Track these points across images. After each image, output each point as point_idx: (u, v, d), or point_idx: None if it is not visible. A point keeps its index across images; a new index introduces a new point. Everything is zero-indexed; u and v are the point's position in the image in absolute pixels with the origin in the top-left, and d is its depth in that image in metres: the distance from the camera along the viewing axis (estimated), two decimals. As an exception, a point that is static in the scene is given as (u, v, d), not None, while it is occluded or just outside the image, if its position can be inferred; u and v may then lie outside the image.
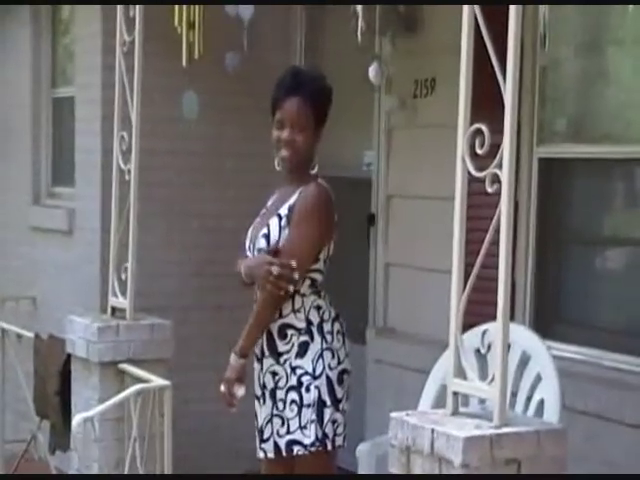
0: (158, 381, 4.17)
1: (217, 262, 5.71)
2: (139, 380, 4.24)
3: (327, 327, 3.50)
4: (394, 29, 4.96)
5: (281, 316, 3.49)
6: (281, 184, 3.71)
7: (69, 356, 4.77)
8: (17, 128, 7.13)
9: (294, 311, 3.48)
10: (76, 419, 4.10)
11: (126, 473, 4.26)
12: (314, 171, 3.58)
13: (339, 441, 3.47)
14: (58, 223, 6.42)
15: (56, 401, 5.02)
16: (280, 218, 3.49)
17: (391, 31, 4.95)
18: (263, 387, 3.52)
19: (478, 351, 2.94)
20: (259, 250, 3.51)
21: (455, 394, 2.79)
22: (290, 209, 3.49)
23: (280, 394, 3.47)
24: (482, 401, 2.93)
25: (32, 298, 6.72)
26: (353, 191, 5.35)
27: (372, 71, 4.87)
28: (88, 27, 5.84)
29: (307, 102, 3.51)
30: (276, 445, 3.47)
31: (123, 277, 4.63)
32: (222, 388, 3.51)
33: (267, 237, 3.49)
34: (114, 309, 4.72)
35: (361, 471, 3.91)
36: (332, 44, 5.88)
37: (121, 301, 4.64)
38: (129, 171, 4.63)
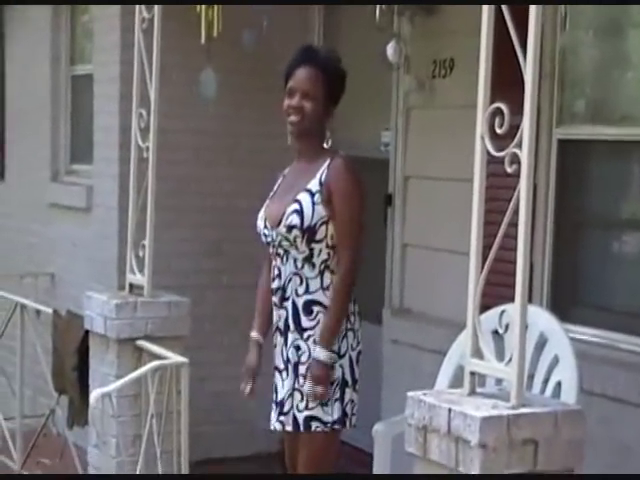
0: (175, 358, 4.19)
1: (232, 241, 5.73)
2: (156, 357, 4.26)
3: (351, 308, 3.54)
4: (413, 9, 4.94)
5: (308, 292, 3.50)
6: (292, 164, 3.70)
7: (87, 332, 4.80)
8: (36, 106, 7.15)
9: (323, 288, 3.50)
10: (94, 395, 4.12)
11: (143, 449, 4.28)
12: (327, 146, 3.58)
13: (354, 420, 3.52)
14: (76, 200, 6.45)
15: (74, 377, 5.06)
16: (312, 194, 3.48)
17: (410, 11, 4.93)
18: (287, 361, 3.53)
19: (496, 332, 2.94)
20: (290, 227, 3.48)
21: (472, 374, 2.79)
22: (321, 184, 3.48)
23: (302, 369, 3.49)
24: (499, 382, 2.94)
25: (50, 274, 6.76)
26: (370, 171, 5.31)
27: (390, 49, 4.86)
28: (107, 5, 5.84)
29: (319, 73, 3.53)
30: (295, 419, 3.49)
31: (141, 254, 4.64)
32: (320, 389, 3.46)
33: (300, 213, 3.47)
34: (132, 286, 4.73)
35: (377, 451, 3.93)
36: (351, 24, 5.85)
37: (139, 278, 4.66)
38: (147, 149, 4.64)
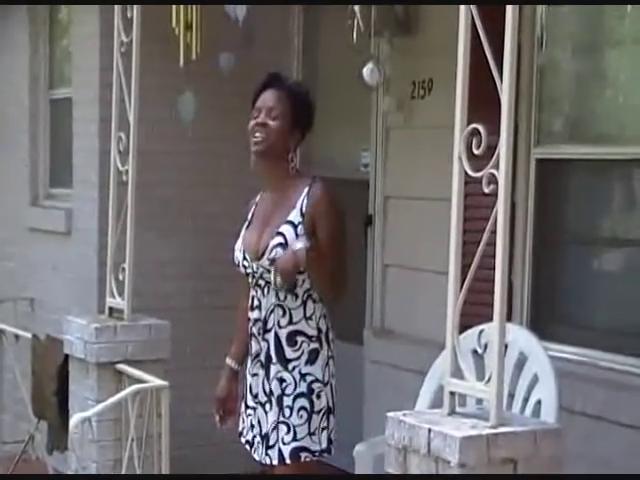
0: (155, 381, 4.17)
1: (214, 263, 5.71)
2: (136, 380, 4.24)
3: (331, 335, 3.54)
4: (391, 30, 4.97)
5: (291, 323, 3.47)
6: (262, 193, 3.67)
7: (67, 357, 4.77)
8: (15, 129, 7.13)
9: (306, 318, 3.47)
10: (74, 419, 4.10)
11: (124, 473, 4.26)
12: (292, 172, 3.53)
13: (334, 446, 3.50)
14: (56, 224, 6.42)
15: (54, 401, 5.02)
16: (295, 226, 3.43)
17: (388, 32, 4.96)
18: (270, 394, 3.48)
19: (475, 352, 2.94)
20: (274, 261, 3.42)
21: (452, 394, 2.79)
22: (302, 215, 3.44)
23: (287, 401, 3.44)
24: (479, 401, 2.93)
25: (30, 299, 6.72)
26: (350, 192, 5.35)
27: (367, 71, 4.88)
28: (86, 28, 5.85)
29: (285, 96, 3.53)
30: (280, 452, 3.44)
31: (120, 278, 4.63)
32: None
33: (285, 247, 3.40)
34: (111, 310, 4.72)
35: (358, 471, 3.91)
36: (330, 45, 5.88)
37: (118, 302, 4.64)
38: (127, 172, 4.64)
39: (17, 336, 5.53)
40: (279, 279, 3.35)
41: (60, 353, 4.86)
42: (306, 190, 3.47)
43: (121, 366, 4.44)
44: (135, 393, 4.13)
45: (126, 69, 4.65)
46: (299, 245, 3.37)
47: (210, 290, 5.81)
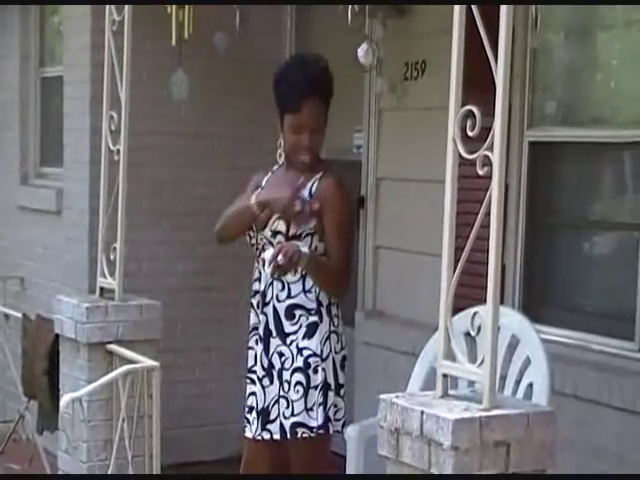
0: (146, 362, 4.16)
1: (205, 244, 5.69)
2: (127, 361, 4.23)
3: (334, 310, 3.53)
4: (385, 11, 4.95)
5: (290, 296, 3.47)
6: (281, 165, 3.68)
7: (57, 336, 4.76)
8: (5, 108, 7.09)
9: (305, 291, 3.47)
10: (64, 399, 4.09)
11: (114, 454, 4.25)
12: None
13: (337, 426, 3.49)
14: (46, 203, 6.40)
15: (44, 381, 5.02)
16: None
17: (382, 13, 4.94)
18: (270, 367, 3.49)
19: (468, 334, 2.94)
20: (275, 232, 3.46)
21: (444, 376, 2.79)
22: (311, 196, 3.47)
23: (286, 375, 3.46)
24: (471, 384, 2.94)
25: (20, 278, 6.70)
26: (343, 174, 5.33)
27: (361, 51, 4.87)
28: (77, 6, 5.80)
29: (323, 102, 3.52)
30: (282, 426, 3.46)
31: (112, 258, 4.61)
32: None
33: (287, 220, 3.43)
34: (102, 289, 4.70)
35: (350, 453, 3.91)
36: (323, 26, 5.84)
37: (110, 282, 4.63)
38: (118, 151, 4.61)
39: (7, 315, 5.52)
40: (270, 270, 3.34)
41: (51, 333, 4.85)
42: (319, 175, 3.51)
43: (112, 346, 4.42)
44: (126, 373, 4.12)
45: (118, 48, 4.61)
46: (304, 250, 3.38)
47: (201, 271, 5.80)
